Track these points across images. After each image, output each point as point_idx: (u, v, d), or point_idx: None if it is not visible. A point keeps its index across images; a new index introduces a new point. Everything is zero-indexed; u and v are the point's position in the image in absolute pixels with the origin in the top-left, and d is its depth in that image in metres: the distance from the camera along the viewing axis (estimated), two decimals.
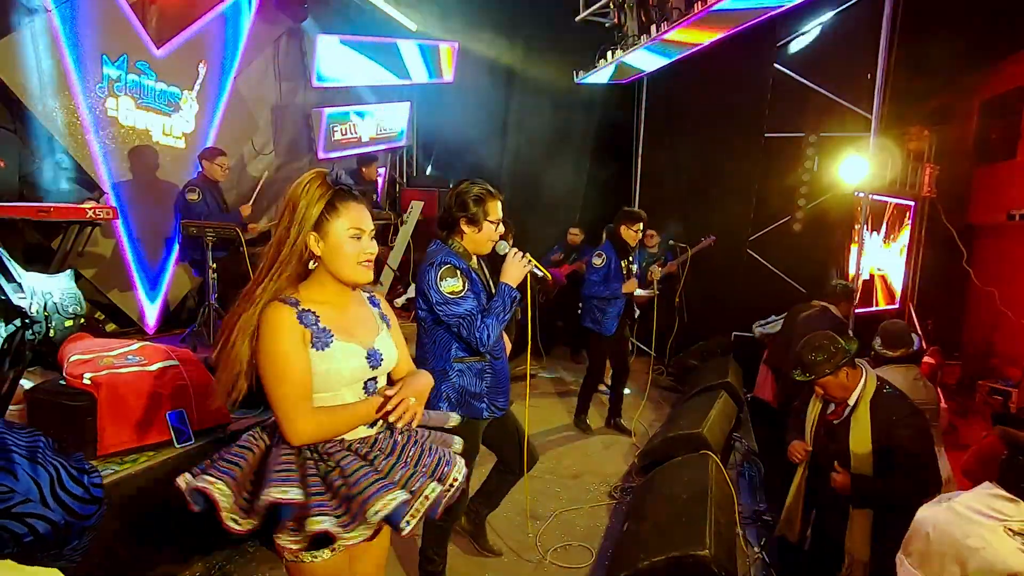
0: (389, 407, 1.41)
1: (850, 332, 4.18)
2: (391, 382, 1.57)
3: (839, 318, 4.07)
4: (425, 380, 1.56)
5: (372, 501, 1.31)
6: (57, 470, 0.81)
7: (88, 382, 2.30)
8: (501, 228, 2.21)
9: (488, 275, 2.33)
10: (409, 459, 1.49)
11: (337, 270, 1.44)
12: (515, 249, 2.21)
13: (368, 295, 1.62)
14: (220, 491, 1.31)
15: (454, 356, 2.23)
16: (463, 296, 2.11)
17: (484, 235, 2.19)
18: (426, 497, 1.39)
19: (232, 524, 1.31)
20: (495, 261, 2.28)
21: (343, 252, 1.42)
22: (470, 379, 2.24)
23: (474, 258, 2.27)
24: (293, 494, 1.29)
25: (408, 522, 1.33)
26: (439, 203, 6.53)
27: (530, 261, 2.20)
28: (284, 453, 1.39)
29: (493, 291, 2.23)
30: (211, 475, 1.34)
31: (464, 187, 2.19)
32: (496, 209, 2.19)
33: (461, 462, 1.57)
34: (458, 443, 1.68)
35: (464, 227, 2.18)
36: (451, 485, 1.49)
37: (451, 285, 2.09)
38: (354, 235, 1.43)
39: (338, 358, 1.41)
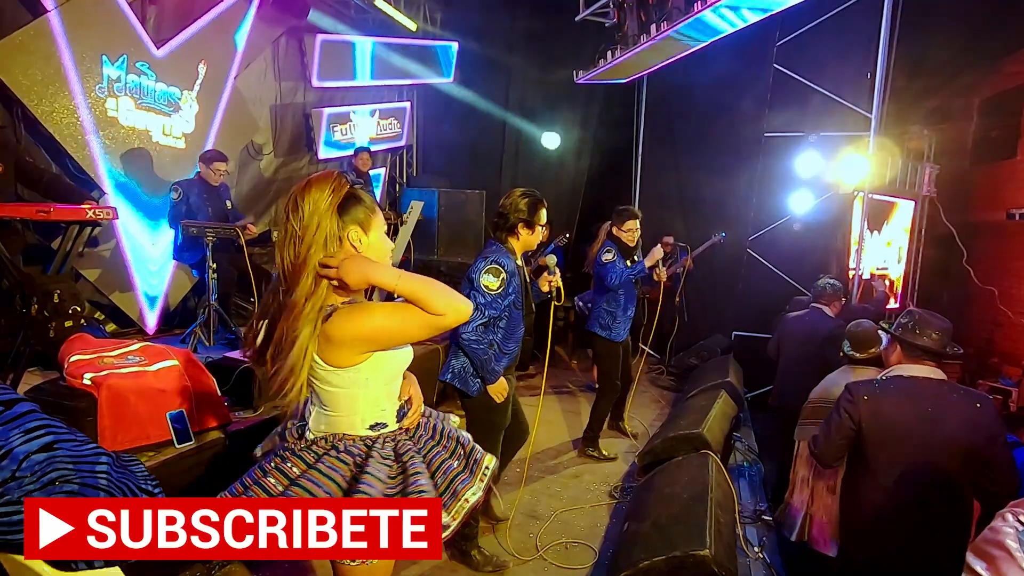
0: (411, 414, 1.55)
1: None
2: None
3: (832, 318, 3.99)
4: (416, 385, 1.66)
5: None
6: (125, 495, 0.81)
7: (88, 382, 2.30)
8: (546, 230, 2.65)
9: (527, 275, 2.75)
10: (448, 449, 1.61)
11: None
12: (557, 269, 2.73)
13: None
14: None
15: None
16: (491, 295, 2.48)
17: (535, 237, 2.62)
18: (466, 500, 1.51)
19: None
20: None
21: (382, 247, 1.48)
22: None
23: (519, 257, 2.67)
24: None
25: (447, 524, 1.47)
26: (439, 203, 6.54)
27: (554, 281, 2.73)
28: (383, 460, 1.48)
29: (528, 290, 2.68)
30: None
31: (519, 195, 2.58)
32: (544, 215, 2.59)
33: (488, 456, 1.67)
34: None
35: (521, 230, 2.58)
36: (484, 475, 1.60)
37: (488, 281, 2.48)
38: (384, 230, 1.50)
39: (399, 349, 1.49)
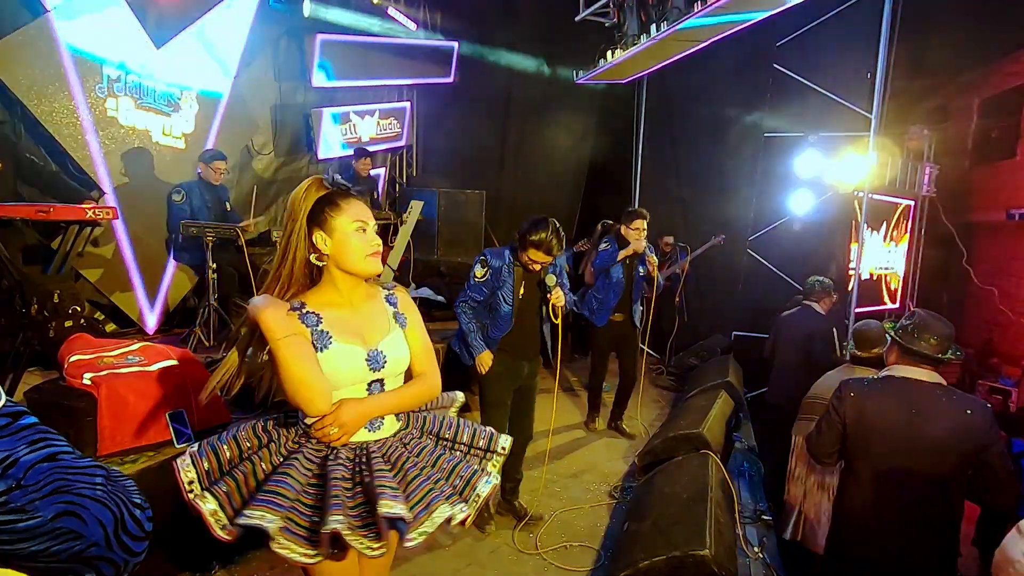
0: (316, 425, 1.43)
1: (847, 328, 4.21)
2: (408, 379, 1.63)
3: (822, 315, 4.08)
4: (389, 400, 1.53)
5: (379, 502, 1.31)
6: (120, 509, 0.81)
7: (88, 382, 2.30)
8: (538, 266, 2.84)
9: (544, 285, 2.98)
10: (433, 465, 1.53)
11: (347, 265, 1.48)
12: (559, 289, 2.90)
13: (387, 293, 1.63)
14: (211, 511, 1.36)
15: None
16: (475, 281, 2.91)
17: (525, 262, 2.86)
18: (435, 517, 1.41)
19: (222, 534, 1.36)
20: None
21: (351, 246, 1.47)
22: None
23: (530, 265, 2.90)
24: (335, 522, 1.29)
25: (413, 538, 1.36)
26: (439, 203, 6.54)
27: (553, 300, 2.90)
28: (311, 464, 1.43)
29: (521, 292, 2.91)
30: (211, 491, 1.38)
31: (534, 229, 2.74)
32: (539, 256, 2.78)
33: (492, 478, 1.61)
34: (459, 398, 1.85)
35: (517, 248, 2.87)
36: (471, 499, 1.53)
37: (476, 269, 2.91)
38: (359, 228, 1.48)
39: (336, 360, 1.44)
